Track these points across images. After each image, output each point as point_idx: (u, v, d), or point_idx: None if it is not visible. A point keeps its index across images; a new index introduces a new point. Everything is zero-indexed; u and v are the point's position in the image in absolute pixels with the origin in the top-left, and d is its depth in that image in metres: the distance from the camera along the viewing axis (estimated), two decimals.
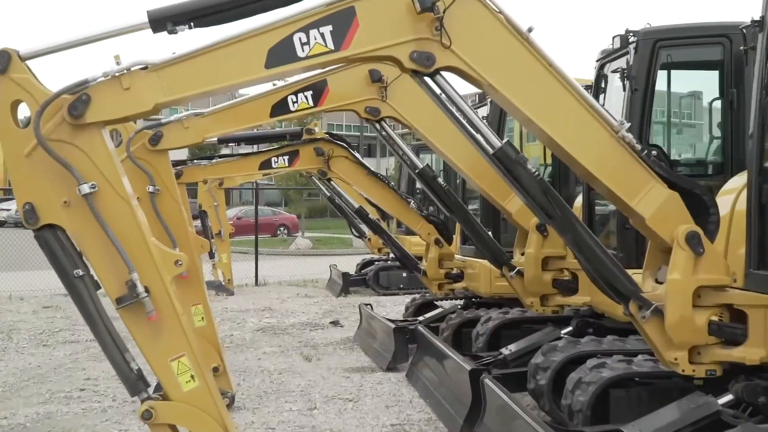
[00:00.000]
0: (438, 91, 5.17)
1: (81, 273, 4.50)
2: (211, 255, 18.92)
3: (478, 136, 5.23)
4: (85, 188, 4.39)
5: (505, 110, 5.30)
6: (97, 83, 4.42)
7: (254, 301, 18.47)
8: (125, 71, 4.46)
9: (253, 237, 24.61)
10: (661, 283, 5.47)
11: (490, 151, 5.14)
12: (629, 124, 5.21)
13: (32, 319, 15.75)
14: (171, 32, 4.53)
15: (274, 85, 7.97)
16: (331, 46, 4.64)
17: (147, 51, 5.03)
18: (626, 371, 6.36)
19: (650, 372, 6.33)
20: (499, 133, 9.41)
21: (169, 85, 4.56)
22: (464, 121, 5.27)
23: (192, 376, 4.67)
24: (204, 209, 18.63)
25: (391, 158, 57.13)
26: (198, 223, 17.90)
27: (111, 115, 4.52)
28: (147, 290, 4.48)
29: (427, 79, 5.00)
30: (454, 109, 5.26)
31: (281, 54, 4.59)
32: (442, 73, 4.99)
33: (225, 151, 23.04)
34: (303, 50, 4.61)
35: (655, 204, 5.24)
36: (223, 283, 19.63)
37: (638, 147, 5.21)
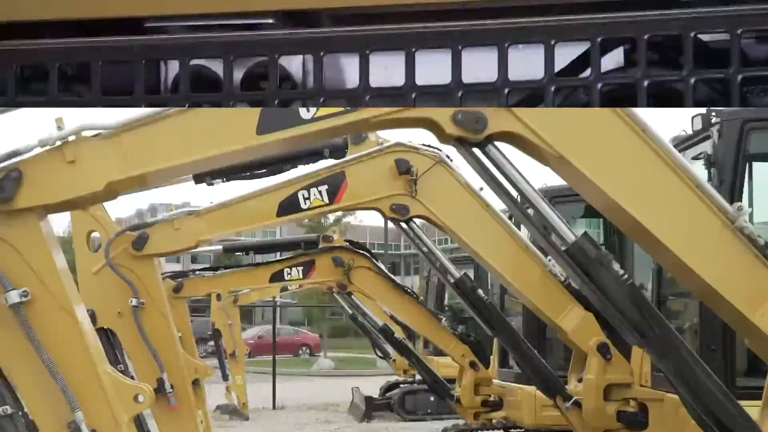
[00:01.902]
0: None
1: (9, 411, 3.58)
2: (225, 377, 17.86)
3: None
4: (14, 296, 3.47)
5: (578, 191, 4.02)
6: (31, 156, 3.48)
7: (269, 427, 17.37)
8: (70, 138, 3.46)
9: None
10: None
11: (562, 247, 3.86)
12: (750, 209, 3.89)
13: None
14: None
15: None
16: None
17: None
18: None
19: None
20: None
21: (127, 156, 3.49)
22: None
23: None
24: (217, 328, 17.67)
25: (416, 277, 56.22)
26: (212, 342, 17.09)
27: (50, 197, 3.55)
28: None
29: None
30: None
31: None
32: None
33: None
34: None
35: None
36: (237, 407, 18.59)
37: (761, 241, 3.88)
